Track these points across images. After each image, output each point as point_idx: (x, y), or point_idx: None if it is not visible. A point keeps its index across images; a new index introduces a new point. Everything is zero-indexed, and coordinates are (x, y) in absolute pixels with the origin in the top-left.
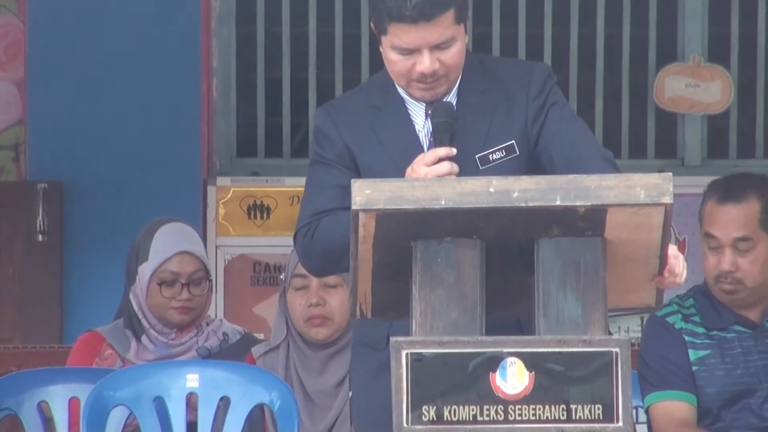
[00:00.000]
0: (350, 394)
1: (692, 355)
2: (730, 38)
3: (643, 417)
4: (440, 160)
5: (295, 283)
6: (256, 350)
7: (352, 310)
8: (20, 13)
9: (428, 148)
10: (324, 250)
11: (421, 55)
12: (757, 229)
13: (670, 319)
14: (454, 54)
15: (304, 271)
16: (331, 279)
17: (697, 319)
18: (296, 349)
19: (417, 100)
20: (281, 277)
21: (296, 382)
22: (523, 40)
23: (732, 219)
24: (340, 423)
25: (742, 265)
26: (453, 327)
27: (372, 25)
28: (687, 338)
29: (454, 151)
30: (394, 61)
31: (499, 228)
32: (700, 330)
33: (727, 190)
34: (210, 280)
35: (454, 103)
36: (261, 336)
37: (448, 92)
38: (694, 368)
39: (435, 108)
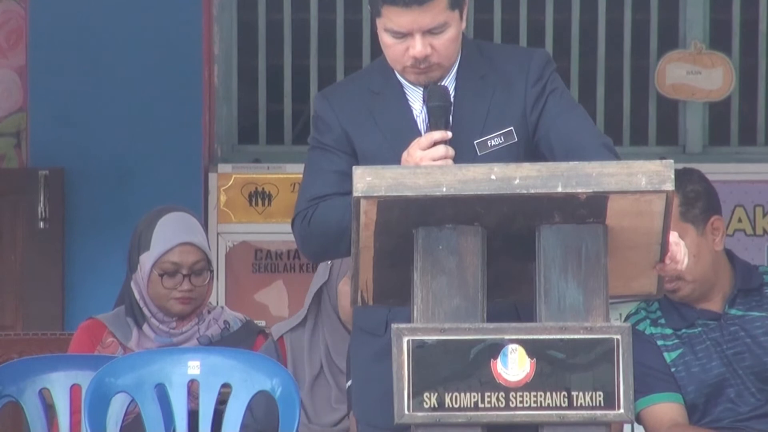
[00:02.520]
0: (349, 383)
1: (667, 357)
2: (731, 25)
3: None
4: (435, 143)
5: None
6: (278, 329)
7: (353, 297)
8: (22, 0)
9: (425, 133)
10: (322, 235)
11: (413, 39)
12: (679, 221)
13: (639, 327)
14: (447, 40)
15: None
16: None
17: (663, 321)
18: (331, 331)
19: (414, 84)
20: (328, 262)
21: (326, 360)
22: (525, 27)
23: None
24: None
25: None
26: (454, 314)
27: (369, 7)
28: (659, 342)
29: (449, 134)
30: (387, 44)
31: (500, 215)
32: (669, 331)
33: None
34: (211, 270)
35: (453, 88)
36: (262, 323)
37: (442, 77)
38: (672, 369)
39: (429, 92)
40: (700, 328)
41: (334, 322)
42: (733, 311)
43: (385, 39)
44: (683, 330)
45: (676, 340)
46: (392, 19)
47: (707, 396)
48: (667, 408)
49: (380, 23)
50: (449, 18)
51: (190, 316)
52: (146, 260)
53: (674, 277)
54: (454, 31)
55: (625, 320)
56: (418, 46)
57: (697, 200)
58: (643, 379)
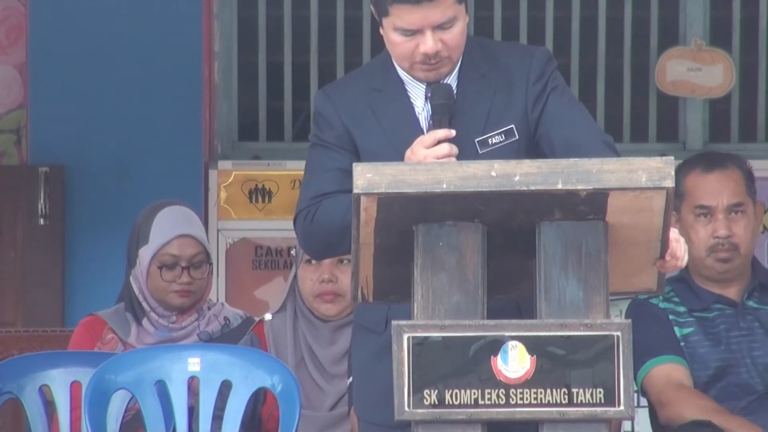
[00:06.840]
0: (350, 380)
1: (678, 331)
2: (731, 22)
3: (642, 401)
4: (439, 142)
5: (307, 257)
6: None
7: (353, 294)
8: None
9: (428, 130)
10: (324, 233)
11: (423, 36)
12: (745, 195)
13: (652, 301)
14: (456, 34)
15: None
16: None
17: (677, 300)
18: (305, 321)
19: (417, 81)
20: (292, 252)
21: (306, 350)
22: (525, 24)
23: (723, 186)
24: None
25: (736, 230)
26: (454, 311)
27: (372, 7)
28: (671, 317)
29: (453, 132)
30: (396, 43)
31: (500, 212)
32: (682, 309)
33: (709, 160)
34: (210, 264)
35: (455, 87)
36: None
37: (450, 73)
38: (681, 344)
39: (433, 90)
40: (716, 313)
41: (310, 319)
42: (750, 302)
43: (394, 38)
44: (698, 312)
45: (689, 318)
46: (402, 17)
47: (709, 378)
48: (675, 368)
49: (388, 22)
50: (457, 12)
51: (190, 311)
52: (145, 254)
53: (731, 246)
54: (462, 25)
55: (638, 295)
56: (429, 42)
57: (751, 179)
58: (652, 342)
